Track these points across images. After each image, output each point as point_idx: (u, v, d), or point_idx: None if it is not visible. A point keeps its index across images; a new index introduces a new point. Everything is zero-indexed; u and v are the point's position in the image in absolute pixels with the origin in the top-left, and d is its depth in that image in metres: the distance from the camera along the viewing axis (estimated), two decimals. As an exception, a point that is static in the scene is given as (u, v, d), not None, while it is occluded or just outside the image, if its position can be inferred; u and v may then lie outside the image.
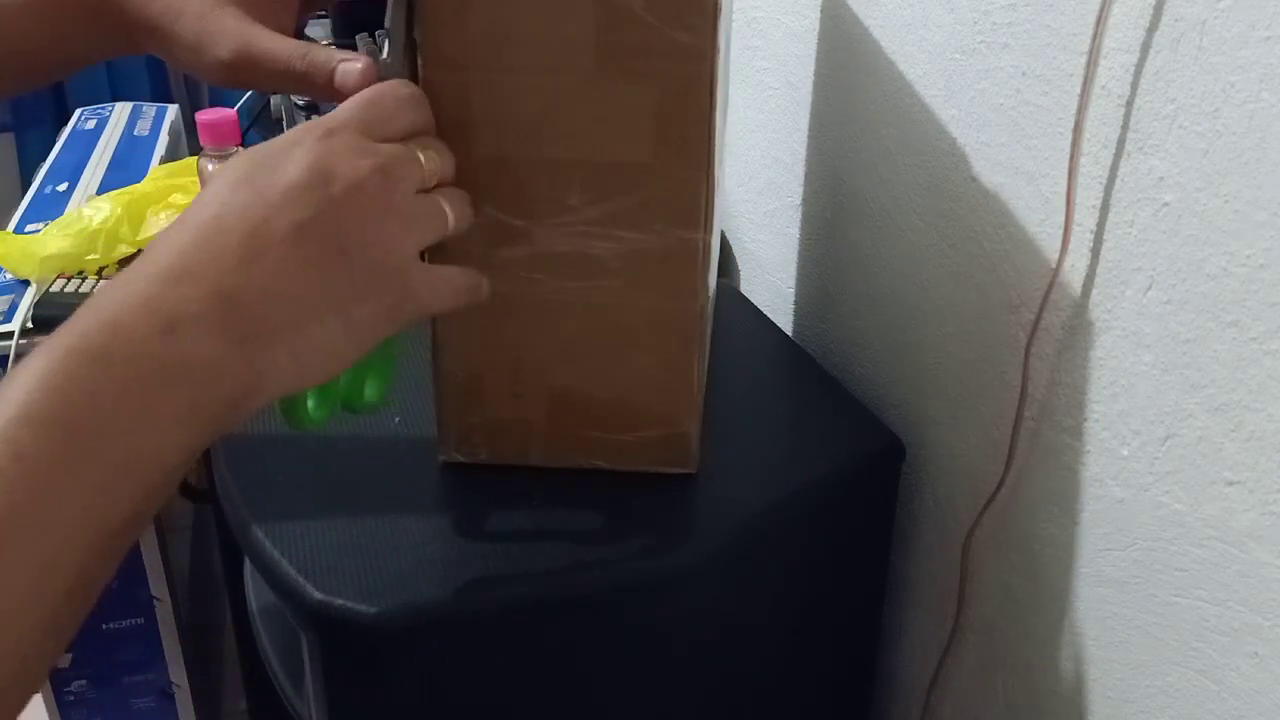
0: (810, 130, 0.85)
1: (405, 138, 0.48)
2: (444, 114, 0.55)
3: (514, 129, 0.55)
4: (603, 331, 0.60)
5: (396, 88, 0.49)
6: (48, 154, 1.44)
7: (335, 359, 0.43)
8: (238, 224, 0.41)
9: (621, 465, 0.64)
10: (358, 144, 0.44)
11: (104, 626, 1.13)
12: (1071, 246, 0.58)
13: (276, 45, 0.53)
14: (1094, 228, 0.57)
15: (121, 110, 1.57)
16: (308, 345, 0.41)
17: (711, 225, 0.58)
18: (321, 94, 0.53)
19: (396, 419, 0.69)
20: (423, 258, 0.48)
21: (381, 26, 0.55)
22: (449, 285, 0.49)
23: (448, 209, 0.48)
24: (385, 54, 0.56)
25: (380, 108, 0.47)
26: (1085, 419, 0.59)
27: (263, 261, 0.40)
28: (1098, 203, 0.56)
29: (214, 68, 0.53)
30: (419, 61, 0.54)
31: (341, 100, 0.54)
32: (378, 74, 0.52)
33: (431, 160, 0.48)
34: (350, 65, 0.53)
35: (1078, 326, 0.59)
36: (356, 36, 0.73)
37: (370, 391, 0.52)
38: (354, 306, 0.43)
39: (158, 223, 1.13)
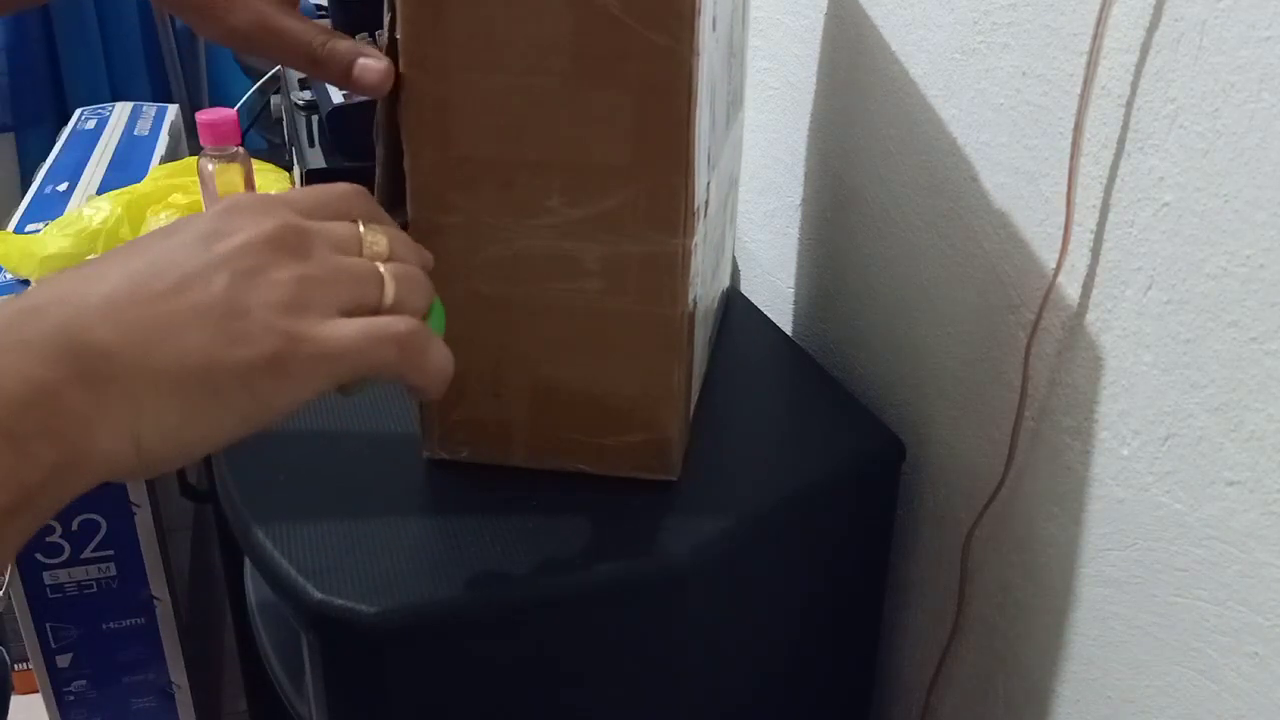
0: (810, 130, 0.85)
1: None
2: (422, 115, 0.55)
3: (493, 130, 0.55)
4: (583, 334, 0.60)
5: (343, 187, 0.43)
6: (48, 154, 1.44)
7: (182, 430, 0.35)
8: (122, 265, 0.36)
9: (603, 469, 0.63)
10: (268, 204, 0.39)
11: (104, 626, 1.14)
12: (1071, 246, 0.58)
13: (298, 23, 0.53)
14: (1094, 228, 0.57)
15: (121, 110, 1.57)
16: (154, 398, 0.34)
17: (692, 231, 0.57)
18: (336, 81, 0.53)
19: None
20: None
21: (381, 26, 0.56)
22: (353, 340, 0.38)
23: (387, 277, 0.41)
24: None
25: (317, 194, 0.42)
26: (1085, 419, 0.59)
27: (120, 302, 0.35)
28: (1098, 203, 0.56)
29: (224, 32, 0.53)
30: (399, 62, 0.54)
31: (355, 90, 0.54)
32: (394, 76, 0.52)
33: (375, 235, 0.42)
34: (371, 62, 0.53)
35: (1078, 326, 0.59)
36: (356, 37, 0.73)
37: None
38: (225, 354, 0.35)
39: (158, 222, 1.13)
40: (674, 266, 0.58)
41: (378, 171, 0.58)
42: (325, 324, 0.38)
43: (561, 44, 0.53)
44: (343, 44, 0.53)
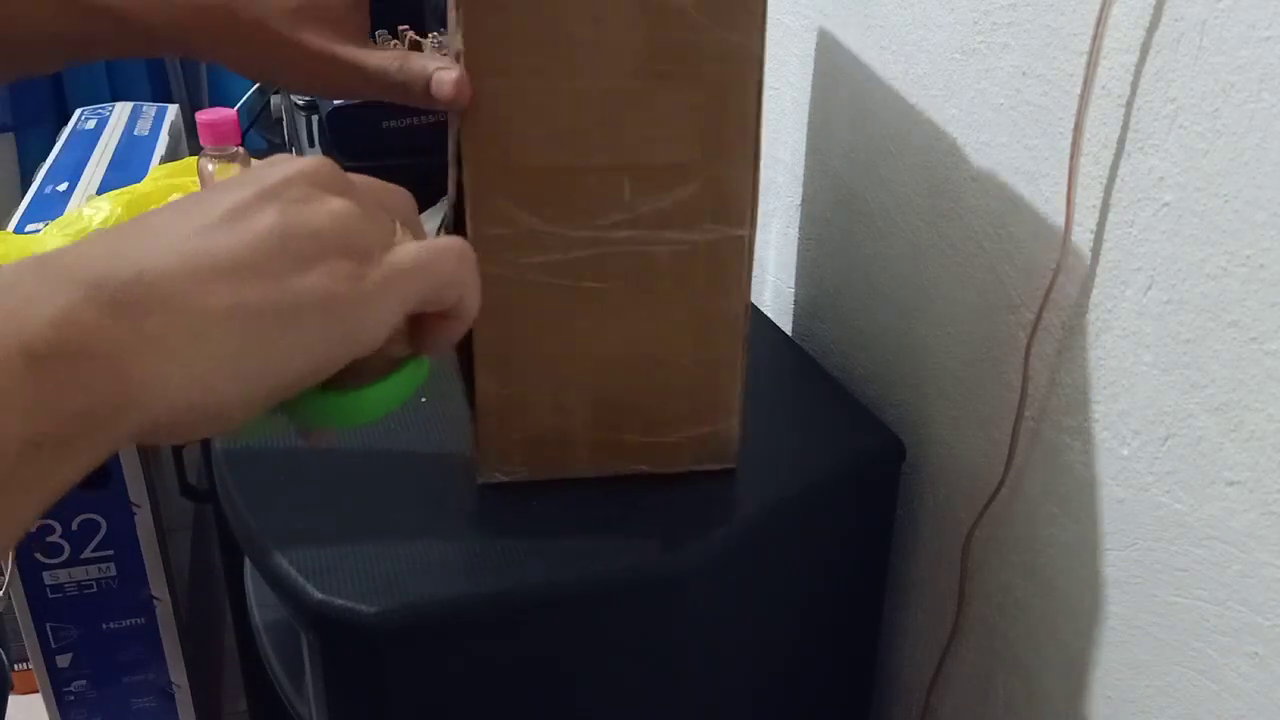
0: (810, 130, 0.85)
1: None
2: (485, 121, 0.54)
3: (556, 135, 0.55)
4: (649, 333, 0.60)
5: (393, 186, 0.41)
6: (48, 154, 1.44)
7: (242, 362, 0.31)
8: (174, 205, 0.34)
9: (664, 467, 0.64)
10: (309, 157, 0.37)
11: (104, 626, 1.14)
12: (1071, 246, 0.58)
13: (370, 54, 0.53)
14: (1094, 228, 0.57)
15: (121, 110, 1.57)
16: (207, 328, 0.31)
17: (756, 220, 0.58)
18: (418, 101, 0.53)
19: (423, 399, 0.68)
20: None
21: (398, 22, 0.55)
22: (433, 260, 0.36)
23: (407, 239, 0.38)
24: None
25: (366, 178, 0.40)
26: (1085, 419, 0.59)
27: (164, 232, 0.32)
28: (1098, 203, 0.56)
29: (322, 87, 0.54)
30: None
31: (435, 107, 0.53)
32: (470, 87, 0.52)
33: (408, 238, 0.39)
34: (445, 74, 0.52)
35: (1078, 326, 0.59)
36: (375, 33, 0.73)
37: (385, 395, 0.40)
38: (289, 278, 0.32)
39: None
40: (740, 257, 0.58)
41: (450, 189, 0.57)
42: (385, 250, 0.36)
43: (629, 44, 0.53)
44: (416, 62, 0.52)
